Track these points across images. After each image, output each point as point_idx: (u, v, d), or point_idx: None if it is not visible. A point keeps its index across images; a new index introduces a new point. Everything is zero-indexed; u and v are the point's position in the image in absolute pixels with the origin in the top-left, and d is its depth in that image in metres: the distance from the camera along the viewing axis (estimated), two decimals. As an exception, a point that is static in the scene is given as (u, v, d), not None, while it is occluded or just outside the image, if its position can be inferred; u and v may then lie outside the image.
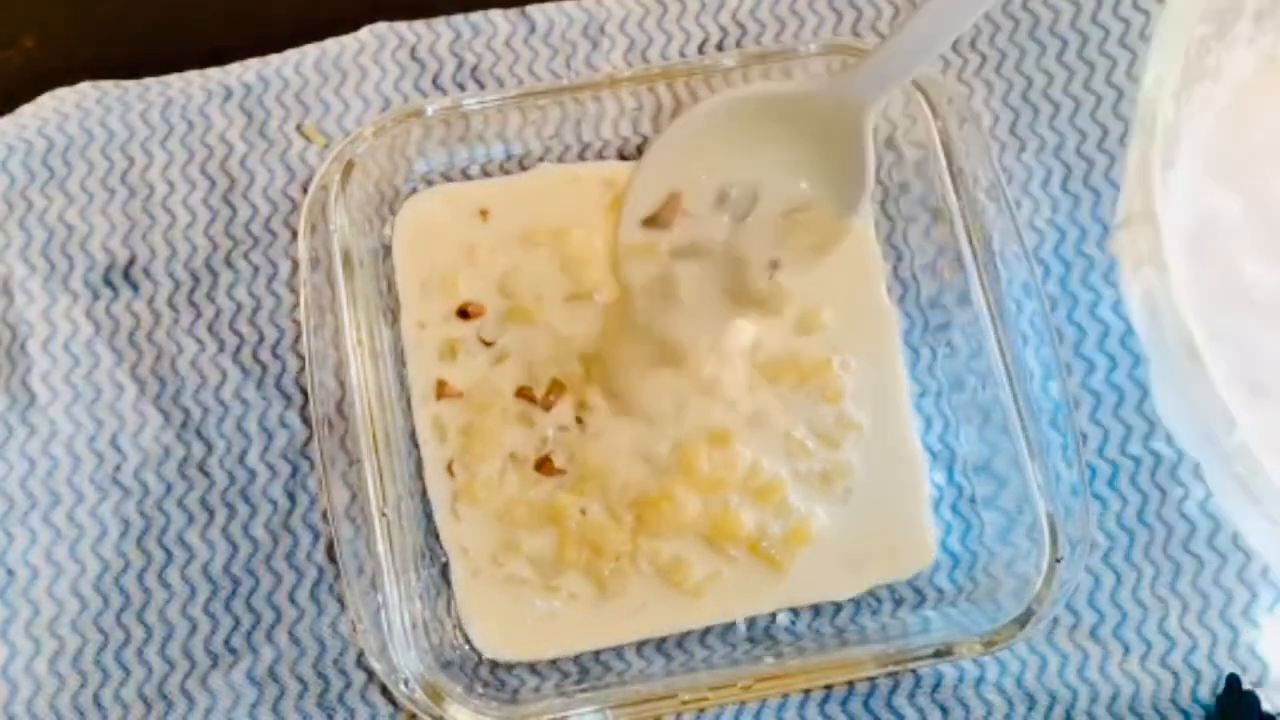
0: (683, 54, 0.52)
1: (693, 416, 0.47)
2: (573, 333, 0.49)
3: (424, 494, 0.48)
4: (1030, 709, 0.47)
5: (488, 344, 0.48)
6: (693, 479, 0.47)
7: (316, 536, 0.48)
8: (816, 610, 0.47)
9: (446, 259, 0.49)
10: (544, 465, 0.47)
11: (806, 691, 0.47)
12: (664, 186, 0.49)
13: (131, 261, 0.50)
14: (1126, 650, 0.47)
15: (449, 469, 0.47)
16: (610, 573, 0.47)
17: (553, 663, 0.47)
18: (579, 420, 0.48)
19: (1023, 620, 0.44)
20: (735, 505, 0.47)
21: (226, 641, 0.47)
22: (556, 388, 0.48)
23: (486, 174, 0.51)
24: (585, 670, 0.47)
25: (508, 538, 0.47)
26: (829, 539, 0.47)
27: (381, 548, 0.44)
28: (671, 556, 0.47)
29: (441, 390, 0.48)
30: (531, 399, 0.48)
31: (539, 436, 0.48)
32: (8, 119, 0.51)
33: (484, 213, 0.50)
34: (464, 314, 0.49)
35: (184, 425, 0.49)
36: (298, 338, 0.50)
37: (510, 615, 0.47)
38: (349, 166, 0.47)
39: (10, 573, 0.48)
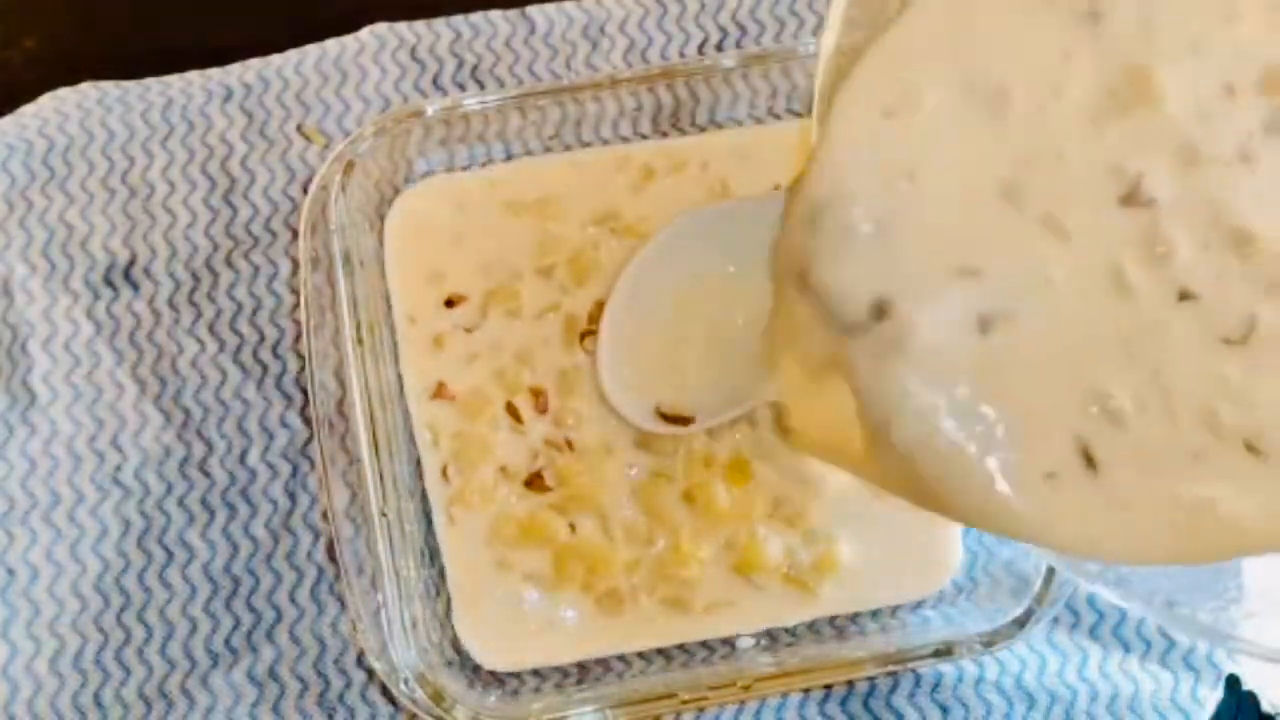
0: (683, 54, 0.52)
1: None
2: (550, 328, 0.48)
3: (424, 494, 0.48)
4: (1030, 709, 0.47)
5: (469, 330, 0.48)
6: (709, 515, 0.47)
7: (316, 536, 0.48)
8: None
9: (436, 251, 0.49)
10: (534, 482, 0.47)
11: (806, 691, 0.47)
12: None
13: (132, 261, 0.50)
14: (1126, 650, 0.47)
15: (444, 473, 0.47)
16: (606, 591, 0.46)
17: (553, 663, 0.47)
18: (568, 444, 0.48)
19: (1023, 620, 0.44)
20: (761, 536, 0.47)
21: (227, 641, 0.47)
22: (538, 393, 0.48)
23: (486, 174, 0.51)
24: (585, 670, 0.47)
25: (501, 552, 0.47)
26: (861, 556, 0.47)
27: (381, 547, 0.44)
28: (681, 585, 0.47)
29: (439, 391, 0.48)
30: (518, 417, 0.48)
31: (529, 450, 0.48)
32: (8, 119, 0.51)
33: (472, 203, 0.50)
34: (449, 304, 0.49)
35: (184, 425, 0.49)
36: (298, 338, 0.50)
37: (507, 626, 0.46)
38: (349, 166, 0.47)
39: (10, 573, 0.48)
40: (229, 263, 0.50)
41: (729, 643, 0.47)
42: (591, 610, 0.46)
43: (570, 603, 0.47)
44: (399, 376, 0.48)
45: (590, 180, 0.50)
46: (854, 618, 0.47)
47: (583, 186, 0.50)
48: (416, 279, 0.49)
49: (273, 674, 0.47)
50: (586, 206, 0.49)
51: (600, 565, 0.46)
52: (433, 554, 0.47)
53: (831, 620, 0.47)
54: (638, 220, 0.49)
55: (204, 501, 0.48)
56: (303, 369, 0.49)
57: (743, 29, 0.52)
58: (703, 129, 0.51)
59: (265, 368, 0.50)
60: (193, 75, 0.52)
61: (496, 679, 0.46)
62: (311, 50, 0.52)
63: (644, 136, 0.51)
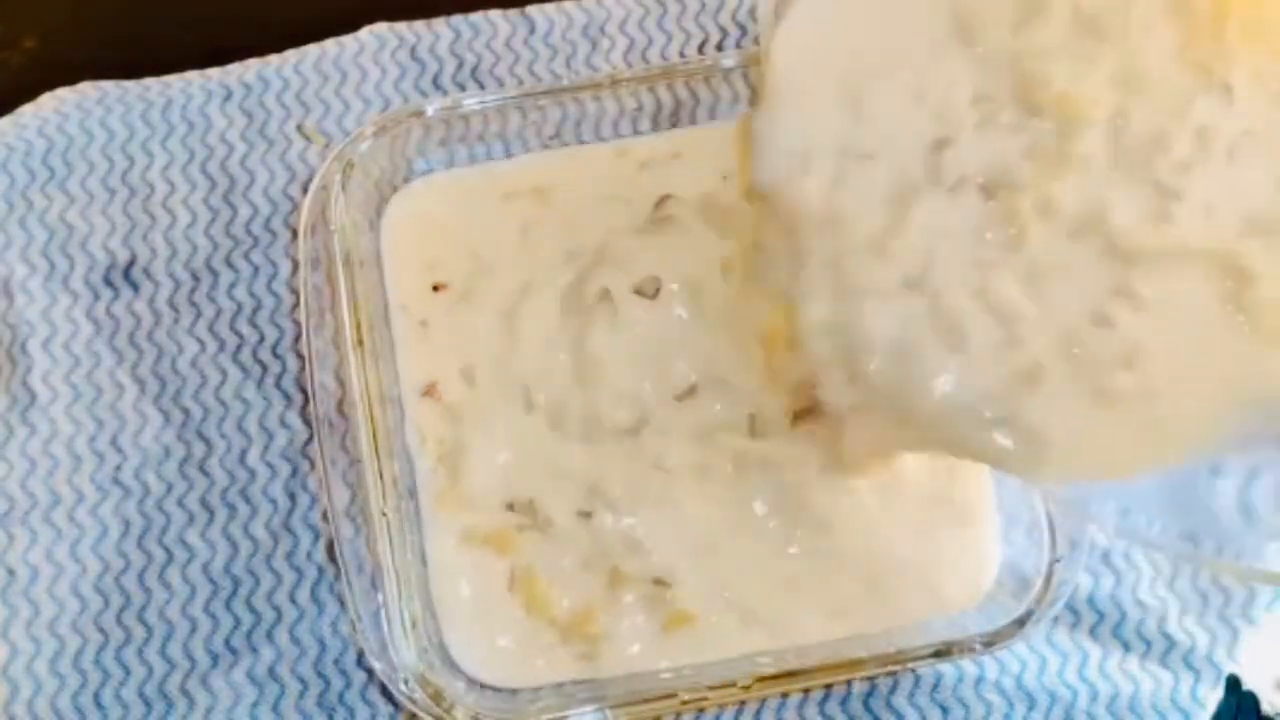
0: (683, 54, 0.52)
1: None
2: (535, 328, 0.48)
3: (423, 494, 0.48)
4: (1030, 709, 0.47)
5: (454, 318, 0.48)
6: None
7: (316, 536, 0.48)
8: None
9: (431, 242, 0.49)
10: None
11: (806, 691, 0.47)
12: None
13: (132, 261, 0.50)
14: (1126, 650, 0.47)
15: (431, 474, 0.47)
16: (538, 626, 0.46)
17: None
18: None
19: (1023, 620, 0.44)
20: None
21: (227, 641, 0.47)
22: None
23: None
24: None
25: (475, 559, 0.46)
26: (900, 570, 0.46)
27: (381, 547, 0.44)
28: (590, 641, 0.46)
29: (429, 390, 0.48)
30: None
31: None
32: (8, 119, 0.51)
33: (470, 197, 0.49)
34: (436, 289, 0.48)
35: (184, 425, 0.49)
36: (298, 338, 0.50)
37: (480, 633, 0.46)
38: (349, 166, 0.47)
39: (10, 573, 0.48)
40: (229, 263, 0.50)
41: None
42: (529, 637, 0.46)
43: (513, 623, 0.46)
44: (398, 375, 0.48)
45: (590, 167, 0.49)
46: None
47: (582, 173, 0.49)
48: (412, 271, 0.48)
49: (273, 674, 0.47)
50: (585, 188, 0.49)
51: (536, 600, 0.46)
52: (433, 554, 0.47)
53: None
54: (640, 197, 0.49)
55: (204, 501, 0.48)
56: (303, 369, 0.49)
57: (743, 29, 0.52)
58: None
59: (265, 368, 0.50)
60: (193, 75, 0.52)
61: (496, 679, 0.46)
62: (311, 50, 0.52)
63: (644, 136, 0.50)
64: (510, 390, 0.47)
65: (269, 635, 0.47)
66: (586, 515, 0.46)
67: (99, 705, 0.47)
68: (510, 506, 0.46)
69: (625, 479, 0.46)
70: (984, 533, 0.47)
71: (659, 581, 0.46)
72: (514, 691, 0.46)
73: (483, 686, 0.45)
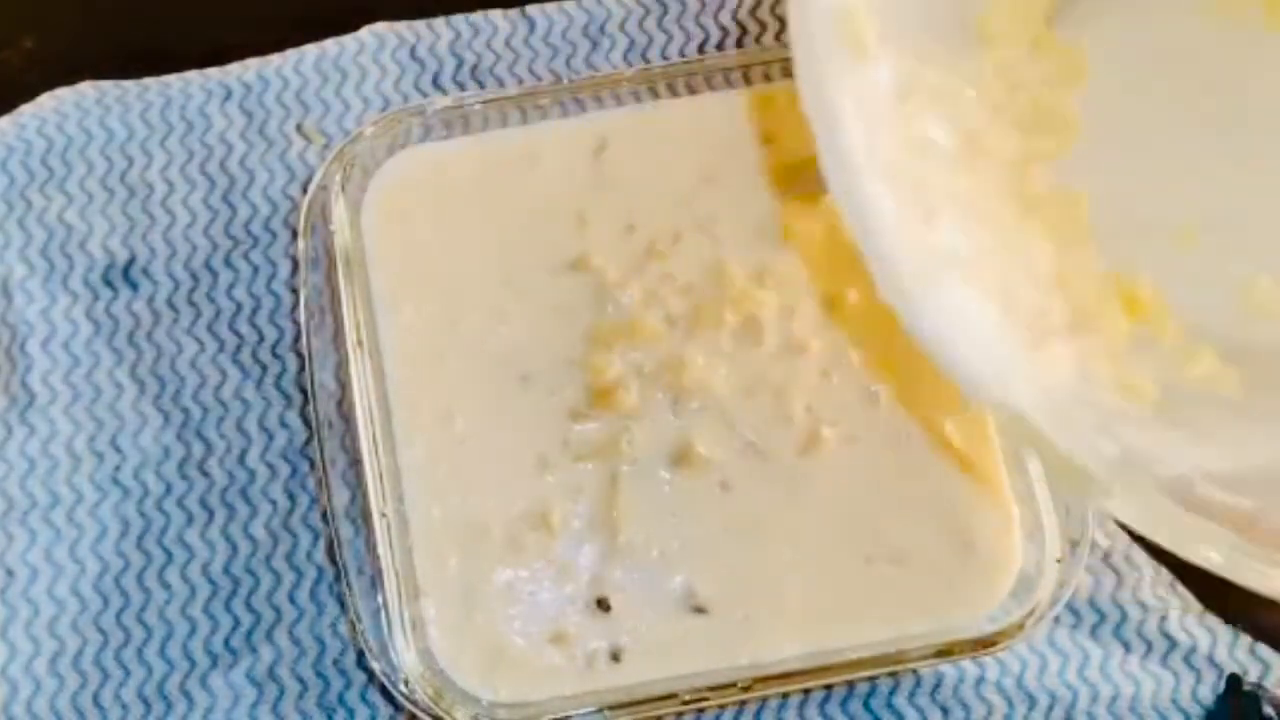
0: (683, 54, 0.52)
1: None
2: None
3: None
4: (1030, 709, 0.47)
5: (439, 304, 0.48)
6: None
7: (316, 536, 0.48)
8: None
9: (412, 216, 0.48)
10: None
11: (806, 691, 0.47)
12: None
13: (131, 261, 0.50)
14: (1127, 650, 0.47)
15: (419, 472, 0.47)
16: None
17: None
18: None
19: (1023, 620, 0.44)
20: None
21: (226, 641, 0.47)
22: None
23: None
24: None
25: (461, 554, 0.46)
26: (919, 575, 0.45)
27: (381, 548, 0.44)
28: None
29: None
30: None
31: None
32: (8, 119, 0.51)
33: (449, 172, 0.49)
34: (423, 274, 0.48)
35: (184, 425, 0.49)
36: (298, 338, 0.50)
37: (473, 642, 0.45)
38: (349, 166, 0.47)
39: (10, 573, 0.48)
40: (229, 263, 0.50)
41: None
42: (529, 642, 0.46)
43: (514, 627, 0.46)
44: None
45: (576, 146, 0.49)
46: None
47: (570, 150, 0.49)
48: (391, 248, 0.48)
49: (272, 674, 0.47)
50: (568, 161, 0.49)
51: (539, 603, 0.46)
52: (432, 554, 0.47)
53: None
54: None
55: (204, 502, 0.48)
56: (303, 369, 0.49)
57: (743, 29, 0.52)
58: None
59: (265, 368, 0.50)
60: (193, 75, 0.52)
61: (496, 679, 0.46)
62: (311, 50, 0.52)
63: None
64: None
65: (269, 635, 0.47)
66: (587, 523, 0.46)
67: (98, 705, 0.47)
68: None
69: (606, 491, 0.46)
70: (1003, 558, 0.46)
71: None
72: (515, 693, 0.46)
73: (483, 688, 0.45)
